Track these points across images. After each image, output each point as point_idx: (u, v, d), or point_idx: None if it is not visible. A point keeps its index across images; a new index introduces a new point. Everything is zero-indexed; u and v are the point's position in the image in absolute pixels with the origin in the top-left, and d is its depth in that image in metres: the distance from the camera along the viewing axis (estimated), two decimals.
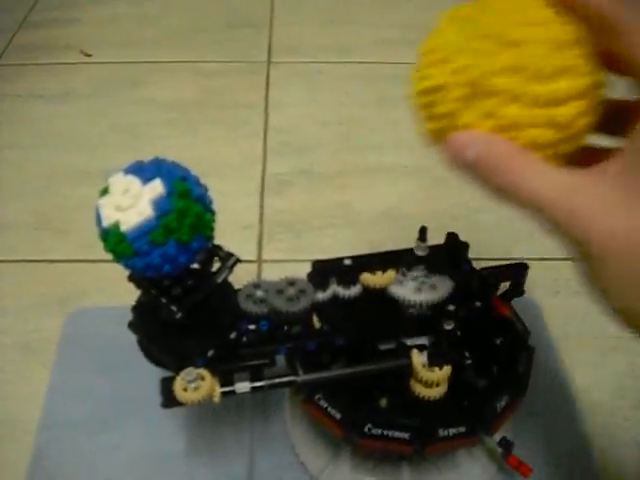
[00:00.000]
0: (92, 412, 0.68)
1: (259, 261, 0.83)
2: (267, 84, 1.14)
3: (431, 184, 0.96)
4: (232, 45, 1.23)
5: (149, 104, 1.09)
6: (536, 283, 0.83)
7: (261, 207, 0.91)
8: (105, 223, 0.46)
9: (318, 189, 0.94)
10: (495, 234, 0.89)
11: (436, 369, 0.54)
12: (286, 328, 0.55)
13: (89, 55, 1.19)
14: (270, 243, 0.86)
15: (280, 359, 0.56)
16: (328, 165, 0.98)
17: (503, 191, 0.34)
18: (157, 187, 0.45)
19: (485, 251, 0.82)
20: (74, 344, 0.74)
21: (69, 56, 1.20)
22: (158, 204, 0.44)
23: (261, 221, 0.89)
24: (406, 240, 0.59)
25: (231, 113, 1.07)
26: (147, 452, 0.65)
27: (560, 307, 0.80)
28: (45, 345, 0.74)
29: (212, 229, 0.49)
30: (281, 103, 1.10)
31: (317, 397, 0.56)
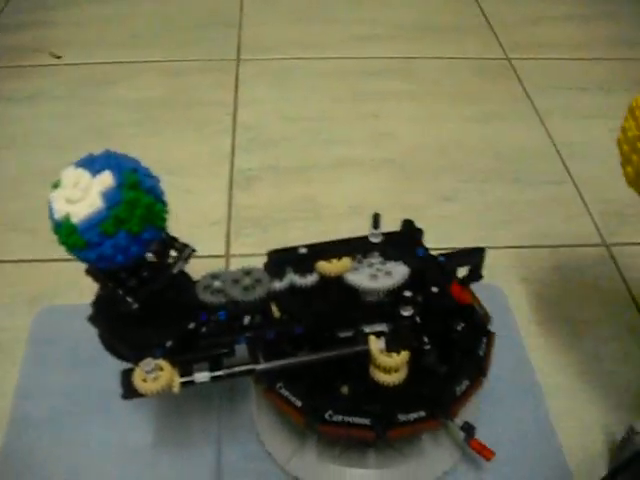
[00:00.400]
0: (60, 407, 0.69)
1: (227, 256, 0.84)
2: (236, 82, 1.14)
3: (398, 176, 0.97)
4: (202, 44, 1.23)
5: (119, 104, 1.09)
6: (503, 271, 0.84)
7: (229, 203, 0.91)
8: (57, 216, 0.46)
9: (286, 184, 0.95)
10: (462, 224, 0.90)
11: (394, 355, 0.55)
12: (245, 318, 0.55)
13: (59, 57, 1.19)
14: (238, 238, 0.86)
15: (240, 349, 0.56)
16: (296, 160, 0.99)
17: None
18: (107, 179, 0.45)
19: (452, 240, 0.83)
20: (43, 342, 0.75)
21: (39, 58, 1.20)
22: (108, 195, 0.45)
23: (229, 217, 0.89)
24: None
25: (200, 111, 1.08)
26: (115, 445, 0.66)
27: (526, 294, 0.81)
28: (14, 344, 0.75)
29: (164, 220, 0.49)
30: (250, 100, 1.10)
31: (278, 386, 0.57)
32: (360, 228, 0.59)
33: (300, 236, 0.86)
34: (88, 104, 1.09)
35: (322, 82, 1.15)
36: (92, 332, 0.55)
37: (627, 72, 1.22)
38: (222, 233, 0.87)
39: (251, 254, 0.84)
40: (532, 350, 0.75)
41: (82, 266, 0.50)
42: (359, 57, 1.21)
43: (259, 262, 0.58)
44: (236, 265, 0.81)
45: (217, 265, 0.81)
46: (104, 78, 1.15)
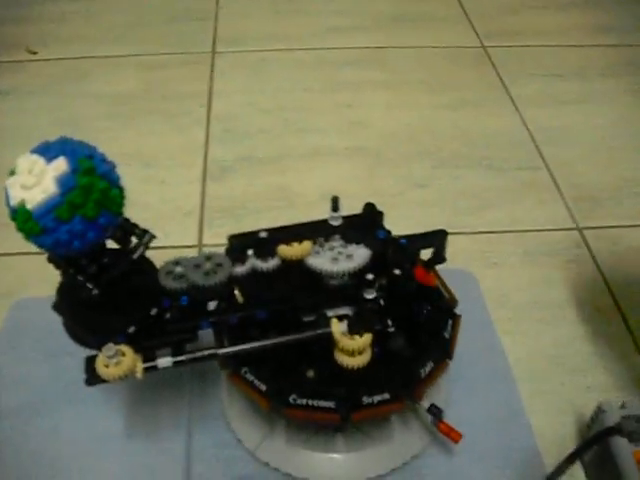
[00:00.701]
0: (32, 398, 0.69)
1: (199, 246, 0.84)
2: (211, 74, 1.14)
3: (372, 164, 0.97)
4: (177, 37, 1.23)
5: (93, 98, 1.09)
6: (475, 255, 0.84)
7: (202, 193, 0.91)
8: (12, 202, 0.46)
9: (260, 174, 0.95)
10: (435, 210, 0.90)
11: (356, 337, 0.55)
12: (208, 303, 0.55)
13: (35, 53, 1.19)
14: (211, 228, 0.87)
15: (205, 334, 0.56)
16: (270, 150, 0.99)
17: None
18: (61, 165, 0.45)
19: (425, 226, 0.83)
20: (16, 334, 0.75)
21: (15, 54, 1.19)
22: (62, 181, 0.45)
23: (202, 207, 0.89)
24: None
25: (175, 104, 1.08)
26: (86, 434, 0.66)
27: (497, 279, 0.82)
28: None
29: (120, 205, 0.49)
30: (225, 92, 1.10)
31: (243, 370, 0.57)
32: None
33: (273, 225, 0.86)
34: (63, 99, 1.09)
35: (297, 73, 1.15)
36: None
37: (602, 58, 1.22)
38: (195, 223, 0.87)
39: (224, 244, 0.84)
40: (503, 333, 0.75)
41: None
42: (334, 47, 1.21)
43: None
44: None
45: (189, 255, 0.82)
46: (80, 73, 1.15)
